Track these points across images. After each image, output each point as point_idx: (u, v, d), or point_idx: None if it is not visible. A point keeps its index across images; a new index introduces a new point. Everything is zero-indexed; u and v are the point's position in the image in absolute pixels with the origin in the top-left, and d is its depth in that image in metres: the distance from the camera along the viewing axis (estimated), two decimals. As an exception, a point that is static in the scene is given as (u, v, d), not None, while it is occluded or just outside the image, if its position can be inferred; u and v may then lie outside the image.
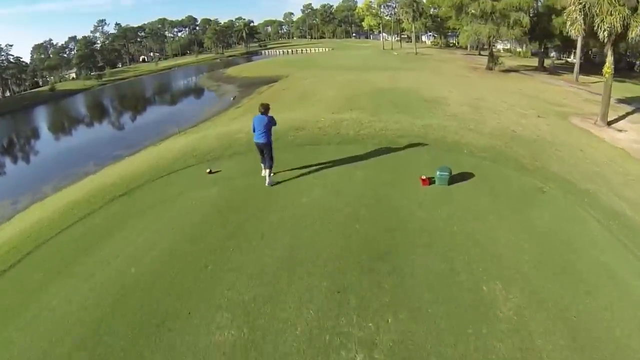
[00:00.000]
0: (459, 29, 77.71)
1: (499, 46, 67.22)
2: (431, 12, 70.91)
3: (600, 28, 15.58)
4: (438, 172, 8.57)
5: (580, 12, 16.08)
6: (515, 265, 5.96)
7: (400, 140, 11.71)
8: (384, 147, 11.02)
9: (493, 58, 38.81)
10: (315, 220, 7.22)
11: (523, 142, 12.91)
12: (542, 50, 45.48)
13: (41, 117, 50.21)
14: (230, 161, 10.84)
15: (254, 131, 8.78)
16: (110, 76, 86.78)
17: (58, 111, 52.44)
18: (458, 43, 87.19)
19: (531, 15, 37.85)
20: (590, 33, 16.88)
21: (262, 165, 9.07)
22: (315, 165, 9.77)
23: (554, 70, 42.20)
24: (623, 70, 39.68)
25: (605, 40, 16.23)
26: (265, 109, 8.70)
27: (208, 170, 9.98)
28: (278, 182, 8.93)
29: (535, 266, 5.97)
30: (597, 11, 15.57)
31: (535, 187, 8.86)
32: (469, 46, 74.16)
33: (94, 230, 7.73)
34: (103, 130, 34.81)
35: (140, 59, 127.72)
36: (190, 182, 9.56)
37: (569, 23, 16.91)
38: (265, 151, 8.71)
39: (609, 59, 17.55)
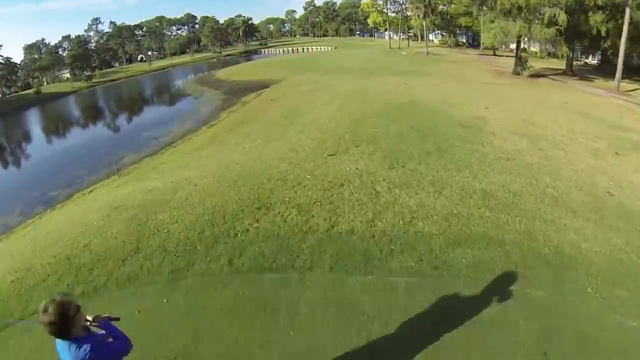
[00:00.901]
0: (472, 26, 72.13)
1: (511, 46, 61.15)
2: (440, 9, 64.70)
3: None
4: None
5: None
6: None
7: (466, 271, 5.46)
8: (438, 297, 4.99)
9: (521, 61, 32.81)
10: None
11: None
12: (572, 51, 39.27)
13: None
14: (127, 301, 5.28)
15: None
16: (100, 77, 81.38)
17: (22, 121, 45.92)
18: (468, 42, 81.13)
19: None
20: None
21: None
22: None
23: (582, 74, 36.05)
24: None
25: None
26: (62, 320, 2.52)
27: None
28: None
29: None
30: None
31: None
32: (481, 46, 68.10)
33: None
34: (40, 157, 25.81)
35: (139, 58, 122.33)
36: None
37: None
38: None
39: None
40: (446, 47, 72.17)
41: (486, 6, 30.94)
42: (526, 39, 32.61)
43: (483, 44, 41.41)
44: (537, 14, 29.17)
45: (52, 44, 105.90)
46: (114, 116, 38.43)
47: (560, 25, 28.84)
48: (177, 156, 15.64)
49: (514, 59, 53.91)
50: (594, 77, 35.04)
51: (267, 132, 15.88)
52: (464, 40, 78.97)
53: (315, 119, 17.03)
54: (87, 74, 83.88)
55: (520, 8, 29.13)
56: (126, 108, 41.17)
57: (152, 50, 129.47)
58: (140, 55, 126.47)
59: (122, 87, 65.56)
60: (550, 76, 34.11)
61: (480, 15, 32.74)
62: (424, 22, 55.12)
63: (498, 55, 53.90)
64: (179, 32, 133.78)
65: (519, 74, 32.68)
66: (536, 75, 33.24)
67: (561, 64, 37.18)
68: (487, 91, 23.57)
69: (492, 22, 31.48)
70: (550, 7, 28.94)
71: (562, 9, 28.99)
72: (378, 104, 18.54)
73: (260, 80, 36.43)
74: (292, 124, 16.76)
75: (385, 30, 79.86)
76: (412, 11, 49.22)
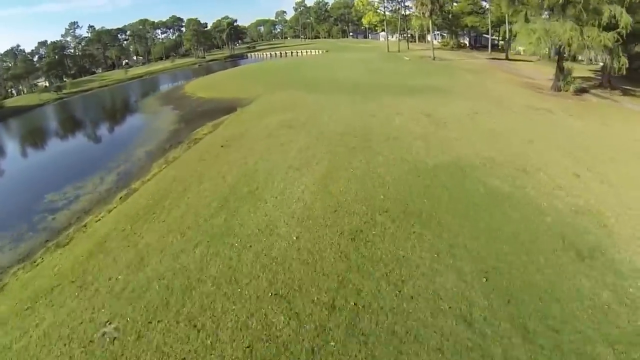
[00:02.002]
0: (478, 27, 63.52)
1: (520, 47, 52.85)
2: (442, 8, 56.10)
3: None
4: None
5: None
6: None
7: None
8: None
9: (563, 73, 24.58)
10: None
11: None
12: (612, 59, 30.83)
13: None
14: None
15: None
16: (72, 87, 72.25)
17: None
18: (471, 44, 72.51)
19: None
20: None
21: None
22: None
23: (619, 87, 27.65)
24: None
25: None
26: None
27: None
28: None
29: None
30: None
31: None
32: (489, 48, 59.64)
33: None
34: None
35: (123, 63, 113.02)
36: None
37: None
38: None
39: None
40: (448, 49, 63.45)
41: (522, 2, 22.55)
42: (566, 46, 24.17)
43: (519, 50, 32.72)
44: (592, 14, 20.86)
45: (29, 50, 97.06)
46: (41, 149, 29.11)
47: (623, 28, 20.57)
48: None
49: (532, 63, 45.84)
50: (632, 89, 26.68)
51: (169, 257, 7.73)
52: (466, 42, 70.61)
53: (270, 224, 8.87)
54: (57, 84, 74.76)
55: (570, 3, 20.84)
56: (63, 137, 31.84)
57: (138, 55, 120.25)
58: (125, 61, 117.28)
59: (85, 103, 56.63)
60: (590, 91, 25.79)
61: (509, 13, 24.30)
62: (424, 22, 46.85)
63: (512, 60, 45.53)
64: (164, 35, 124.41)
65: (560, 90, 24.45)
66: (579, 90, 25.00)
67: (581, 71, 28.73)
68: (549, 128, 15.14)
69: (527, 21, 23.14)
70: (609, 3, 20.66)
71: (624, 7, 20.68)
72: (394, 174, 10.63)
73: (229, 98, 27.94)
74: (219, 238, 8.57)
75: (382, 30, 71.28)
76: (417, 8, 40.78)
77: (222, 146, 15.15)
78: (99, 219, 11.73)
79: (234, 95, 28.72)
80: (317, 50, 74.03)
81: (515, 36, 27.97)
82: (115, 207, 12.29)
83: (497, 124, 15.46)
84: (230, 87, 32.61)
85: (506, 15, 47.48)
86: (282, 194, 10.16)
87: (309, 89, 26.16)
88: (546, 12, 21.70)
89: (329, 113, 18.25)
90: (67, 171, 19.53)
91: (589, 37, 21.34)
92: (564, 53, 24.30)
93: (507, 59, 46.15)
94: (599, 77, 27.72)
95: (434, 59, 40.12)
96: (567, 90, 24.28)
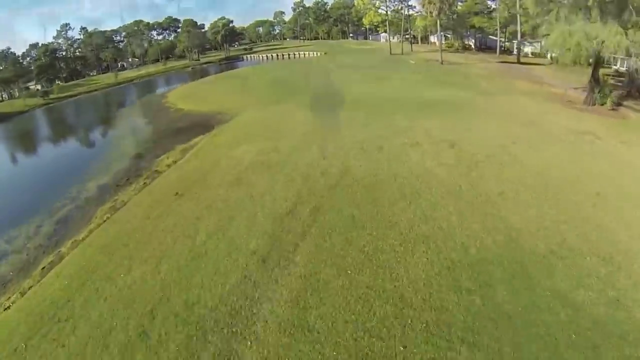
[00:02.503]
0: (486, 27, 59.26)
1: (527, 49, 48.74)
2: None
3: None
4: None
5: None
6: None
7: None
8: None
9: (599, 84, 20.72)
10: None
11: None
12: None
13: None
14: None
15: None
16: (60, 92, 68.61)
17: None
18: (476, 46, 68.23)
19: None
20: None
21: None
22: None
23: None
24: None
25: None
26: None
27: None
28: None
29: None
30: None
31: None
32: (498, 50, 55.39)
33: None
34: None
35: (119, 66, 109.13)
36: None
37: None
38: None
39: None
40: (453, 51, 59.34)
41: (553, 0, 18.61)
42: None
43: (553, 58, 28.47)
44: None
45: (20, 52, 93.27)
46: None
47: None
48: None
49: (544, 67, 41.35)
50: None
51: None
52: (471, 43, 66.47)
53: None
54: (44, 89, 71.17)
55: (614, 2, 16.95)
56: (20, 159, 27.49)
57: (134, 57, 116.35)
58: (121, 63, 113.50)
59: (65, 111, 53.15)
60: (623, 103, 21.88)
61: (538, 12, 20.34)
62: (429, 22, 43.00)
63: (523, 63, 41.56)
64: (161, 37, 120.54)
65: (594, 104, 20.56)
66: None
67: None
68: (609, 167, 11.00)
69: (557, 21, 19.23)
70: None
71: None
72: (417, 283, 7.16)
73: (209, 112, 24.12)
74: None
75: (385, 32, 67.25)
76: (424, 7, 36.78)
77: (176, 194, 11.33)
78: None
79: (215, 108, 24.90)
80: (315, 53, 70.05)
81: (543, 38, 23.99)
82: (14, 303, 8.52)
83: (544, 161, 11.60)
84: (213, 97, 28.79)
85: (518, 16, 43.65)
86: (232, 324, 6.31)
87: (299, 102, 22.32)
88: (582, 12, 17.79)
89: (321, 142, 14.40)
90: (2, 212, 15.73)
91: (634, 41, 17.48)
92: (600, 60, 20.43)
93: (518, 62, 42.17)
94: (619, 84, 23.79)
95: (441, 62, 36.20)
96: (602, 104, 20.41)
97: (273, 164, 12.43)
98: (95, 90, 67.80)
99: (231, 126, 19.34)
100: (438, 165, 11.43)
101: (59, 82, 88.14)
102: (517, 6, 38.64)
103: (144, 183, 13.97)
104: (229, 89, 31.98)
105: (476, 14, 53.17)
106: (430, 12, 35.09)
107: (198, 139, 18.36)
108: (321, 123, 17.41)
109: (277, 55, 77.91)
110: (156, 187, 12.83)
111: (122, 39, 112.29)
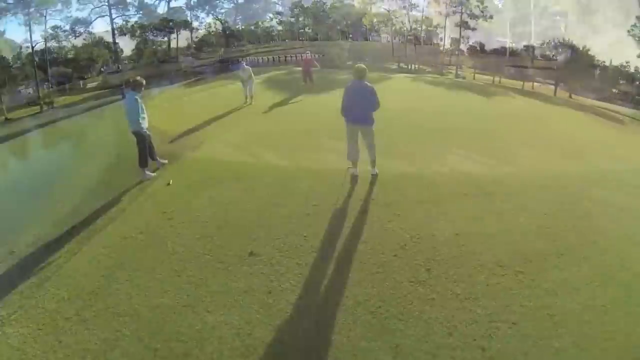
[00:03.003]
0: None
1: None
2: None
3: None
4: None
5: None
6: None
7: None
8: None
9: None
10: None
11: None
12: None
13: None
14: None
15: None
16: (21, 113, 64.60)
17: None
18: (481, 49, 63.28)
19: None
20: None
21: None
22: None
23: None
24: None
25: None
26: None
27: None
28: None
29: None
30: None
31: None
32: (508, 51, 50.71)
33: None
34: None
35: (117, 67, 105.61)
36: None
37: None
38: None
39: None
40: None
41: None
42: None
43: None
44: None
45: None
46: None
47: None
48: None
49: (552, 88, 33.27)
50: None
51: None
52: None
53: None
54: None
55: None
56: None
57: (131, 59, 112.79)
58: (117, 65, 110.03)
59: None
60: None
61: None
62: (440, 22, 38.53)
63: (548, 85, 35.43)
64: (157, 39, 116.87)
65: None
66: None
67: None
68: None
69: None
70: None
71: None
72: None
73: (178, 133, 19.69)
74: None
75: (389, 34, 63.15)
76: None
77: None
78: None
79: (191, 126, 20.40)
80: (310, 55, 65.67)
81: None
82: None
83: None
84: (191, 113, 24.16)
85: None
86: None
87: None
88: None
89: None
90: None
91: None
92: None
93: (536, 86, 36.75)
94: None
95: (464, 78, 31.33)
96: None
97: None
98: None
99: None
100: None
101: (51, 87, 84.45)
102: None
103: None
104: (211, 101, 27.43)
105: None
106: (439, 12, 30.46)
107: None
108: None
109: (269, 58, 73.66)
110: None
111: (115, 41, 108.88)
